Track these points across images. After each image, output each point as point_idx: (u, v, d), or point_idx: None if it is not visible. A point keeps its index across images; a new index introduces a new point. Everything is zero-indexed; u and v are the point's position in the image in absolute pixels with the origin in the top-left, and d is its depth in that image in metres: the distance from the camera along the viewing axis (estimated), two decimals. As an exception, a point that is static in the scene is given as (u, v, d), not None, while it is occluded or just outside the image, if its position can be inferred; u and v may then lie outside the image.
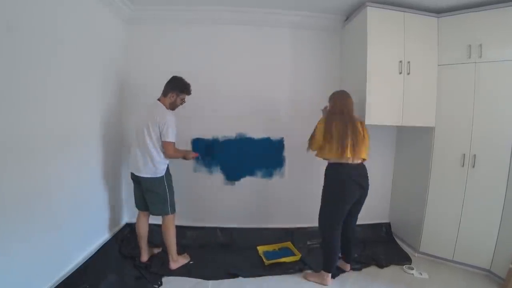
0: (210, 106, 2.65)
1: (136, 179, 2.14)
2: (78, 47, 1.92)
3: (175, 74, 2.14)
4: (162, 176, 2.10)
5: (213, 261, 2.30)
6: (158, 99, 2.11)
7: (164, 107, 2.07)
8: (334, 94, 2.12)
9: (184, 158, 2.20)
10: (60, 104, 1.78)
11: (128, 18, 2.51)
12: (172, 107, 2.13)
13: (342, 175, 1.93)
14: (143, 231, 2.24)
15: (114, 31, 2.42)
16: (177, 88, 2.11)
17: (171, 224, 2.16)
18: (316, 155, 2.07)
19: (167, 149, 2.03)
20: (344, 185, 1.93)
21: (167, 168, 2.16)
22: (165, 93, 2.11)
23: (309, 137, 2.08)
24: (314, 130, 2.05)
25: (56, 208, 1.77)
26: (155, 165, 2.05)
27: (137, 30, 2.58)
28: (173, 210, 2.18)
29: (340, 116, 1.97)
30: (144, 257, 2.25)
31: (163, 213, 2.14)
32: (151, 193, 2.10)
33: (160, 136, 2.01)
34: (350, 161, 1.93)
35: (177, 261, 2.19)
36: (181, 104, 2.18)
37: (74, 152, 1.94)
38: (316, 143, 2.02)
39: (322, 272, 2.07)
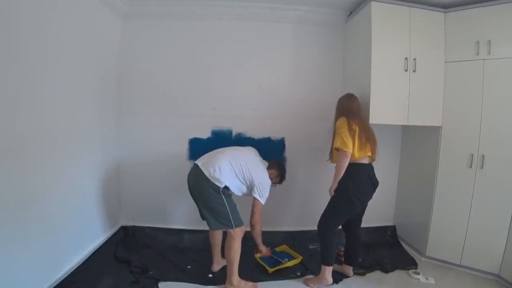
0: (208, 104, 2.58)
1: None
2: (74, 44, 1.89)
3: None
4: None
5: (212, 265, 2.22)
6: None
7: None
8: (339, 98, 2.12)
9: None
10: (56, 103, 1.75)
11: (124, 13, 2.46)
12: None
13: (364, 177, 1.89)
14: (216, 240, 2.19)
15: (110, 27, 2.37)
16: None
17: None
18: (352, 156, 1.84)
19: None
20: (365, 187, 1.91)
21: None
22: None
23: (337, 142, 1.85)
24: (338, 130, 1.87)
25: (51, 209, 1.74)
26: None
27: (134, 26, 2.52)
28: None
29: (352, 115, 1.91)
30: (215, 267, 2.19)
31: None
32: None
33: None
34: (367, 161, 1.91)
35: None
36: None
37: (70, 153, 1.92)
38: (350, 142, 1.80)
39: (322, 266, 2.00)
